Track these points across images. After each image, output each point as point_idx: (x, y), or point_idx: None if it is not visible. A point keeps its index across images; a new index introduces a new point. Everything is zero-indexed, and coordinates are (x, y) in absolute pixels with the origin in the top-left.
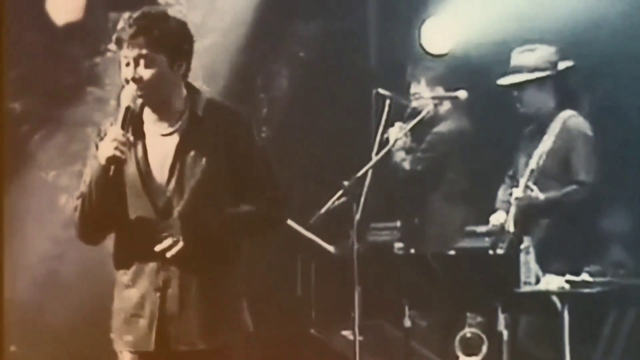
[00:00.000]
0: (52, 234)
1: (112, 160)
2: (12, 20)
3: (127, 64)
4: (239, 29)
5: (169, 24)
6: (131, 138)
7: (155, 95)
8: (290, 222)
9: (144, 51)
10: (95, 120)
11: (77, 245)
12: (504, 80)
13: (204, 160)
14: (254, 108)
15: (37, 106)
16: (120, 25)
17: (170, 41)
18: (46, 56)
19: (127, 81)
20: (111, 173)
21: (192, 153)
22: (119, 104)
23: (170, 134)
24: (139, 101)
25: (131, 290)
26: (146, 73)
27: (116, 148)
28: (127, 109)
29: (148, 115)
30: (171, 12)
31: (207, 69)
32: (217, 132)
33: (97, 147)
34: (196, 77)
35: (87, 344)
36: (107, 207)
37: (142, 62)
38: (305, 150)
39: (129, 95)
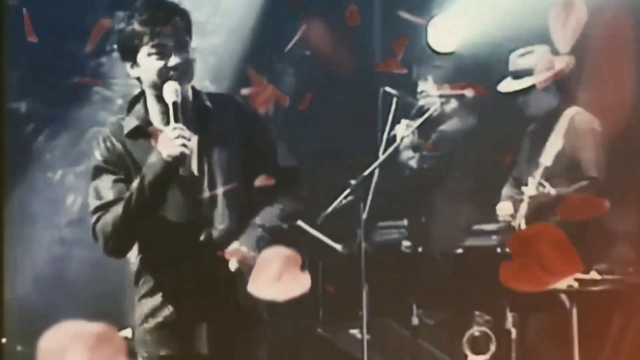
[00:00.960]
0: (59, 234)
1: (180, 157)
2: (15, 19)
3: (160, 54)
4: (244, 28)
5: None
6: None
7: (188, 83)
8: (297, 221)
9: (180, 35)
10: (100, 120)
11: (82, 245)
12: (508, 87)
13: (225, 154)
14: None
15: (42, 106)
16: (132, 18)
17: (189, 24)
18: (51, 56)
19: (163, 73)
20: (180, 171)
21: (214, 148)
22: (128, 104)
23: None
24: (179, 98)
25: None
26: (183, 57)
27: (183, 145)
28: (175, 104)
29: (154, 113)
30: None
31: (212, 68)
32: (228, 124)
33: (102, 156)
34: (203, 78)
35: None
36: (158, 211)
37: (179, 46)
38: (312, 148)
39: (171, 91)
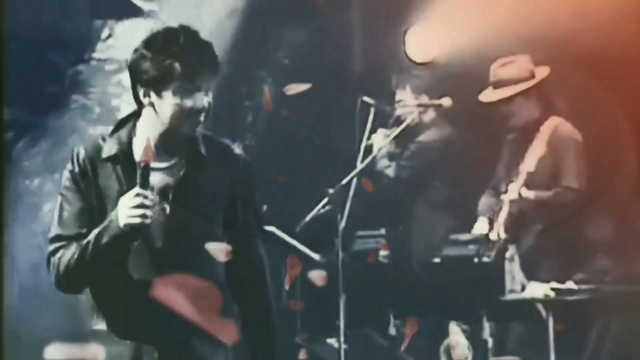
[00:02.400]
0: (36, 241)
1: (138, 227)
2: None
3: (190, 94)
4: (223, 37)
5: None
6: (156, 199)
7: (198, 126)
8: (275, 230)
9: (212, 80)
10: (78, 128)
11: None
12: (490, 97)
13: (209, 207)
14: (239, 116)
15: (21, 114)
16: (166, 51)
17: (218, 69)
18: (30, 64)
19: (187, 113)
20: (136, 243)
21: (191, 194)
22: (115, 126)
23: (164, 168)
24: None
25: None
26: (207, 101)
27: (143, 215)
28: (146, 166)
29: (141, 139)
30: (154, 22)
31: None
32: (221, 178)
33: (73, 175)
34: None
35: None
36: (114, 265)
37: (207, 90)
38: (290, 158)
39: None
